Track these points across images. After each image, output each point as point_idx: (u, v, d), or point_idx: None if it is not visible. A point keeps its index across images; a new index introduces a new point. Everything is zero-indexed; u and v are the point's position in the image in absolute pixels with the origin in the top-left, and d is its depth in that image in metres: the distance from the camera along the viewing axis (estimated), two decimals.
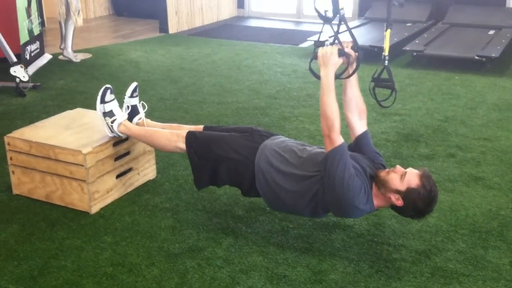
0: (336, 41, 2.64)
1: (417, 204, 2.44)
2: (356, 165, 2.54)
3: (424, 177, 2.45)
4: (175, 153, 3.02)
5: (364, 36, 6.86)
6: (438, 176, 3.46)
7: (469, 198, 3.20)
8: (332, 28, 2.66)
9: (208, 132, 2.93)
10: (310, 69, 2.71)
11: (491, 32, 7.04)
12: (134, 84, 3.18)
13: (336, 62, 2.58)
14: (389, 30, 2.78)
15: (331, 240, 2.79)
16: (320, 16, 2.65)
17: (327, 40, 2.71)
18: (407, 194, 2.44)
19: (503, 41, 6.48)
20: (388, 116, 4.53)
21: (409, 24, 7.52)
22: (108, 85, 3.08)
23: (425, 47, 6.29)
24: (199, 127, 3.07)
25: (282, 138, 2.85)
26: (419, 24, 7.56)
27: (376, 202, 2.54)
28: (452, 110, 4.73)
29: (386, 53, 2.76)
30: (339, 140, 2.49)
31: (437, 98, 5.04)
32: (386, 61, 2.76)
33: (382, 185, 2.50)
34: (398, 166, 2.54)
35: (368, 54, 5.85)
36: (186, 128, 3.06)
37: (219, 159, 2.77)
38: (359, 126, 2.77)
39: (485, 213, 3.04)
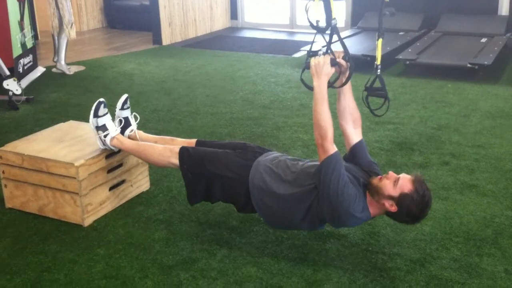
0: (329, 51, 2.64)
1: (411, 209, 2.44)
2: (349, 175, 2.54)
3: (416, 182, 2.46)
4: (169, 168, 3.01)
5: (357, 45, 6.88)
6: (432, 184, 3.45)
7: (463, 206, 3.20)
8: (324, 38, 2.67)
9: (202, 148, 2.91)
10: (302, 80, 2.73)
11: (483, 40, 7.07)
12: (124, 96, 3.17)
13: (328, 71, 2.59)
14: (380, 40, 2.79)
15: (325, 250, 2.78)
16: (312, 26, 2.66)
17: (320, 50, 2.71)
18: (400, 200, 2.44)
19: (495, 48, 6.51)
20: (381, 125, 4.53)
21: (401, 33, 7.55)
22: (101, 99, 3.07)
23: (417, 55, 6.31)
24: (192, 141, 3.06)
25: (274, 154, 2.85)
26: (411, 33, 7.59)
27: (371, 210, 2.54)
28: (446, 118, 4.74)
29: (378, 62, 2.77)
30: (332, 149, 2.49)
31: (431, 107, 5.05)
32: (379, 70, 2.77)
33: (376, 192, 2.50)
34: (390, 172, 2.54)
35: (361, 64, 5.88)
36: (179, 142, 3.06)
37: (212, 177, 2.77)
38: (354, 135, 2.77)
39: (480, 221, 3.04)
